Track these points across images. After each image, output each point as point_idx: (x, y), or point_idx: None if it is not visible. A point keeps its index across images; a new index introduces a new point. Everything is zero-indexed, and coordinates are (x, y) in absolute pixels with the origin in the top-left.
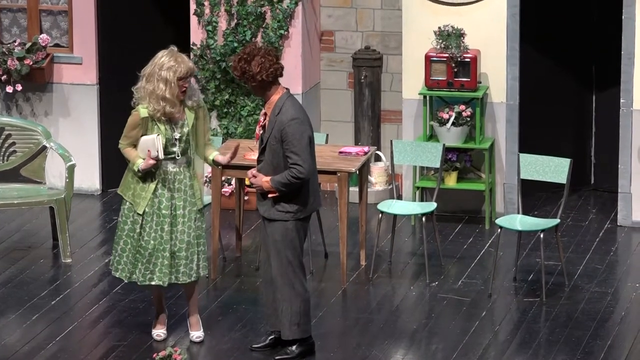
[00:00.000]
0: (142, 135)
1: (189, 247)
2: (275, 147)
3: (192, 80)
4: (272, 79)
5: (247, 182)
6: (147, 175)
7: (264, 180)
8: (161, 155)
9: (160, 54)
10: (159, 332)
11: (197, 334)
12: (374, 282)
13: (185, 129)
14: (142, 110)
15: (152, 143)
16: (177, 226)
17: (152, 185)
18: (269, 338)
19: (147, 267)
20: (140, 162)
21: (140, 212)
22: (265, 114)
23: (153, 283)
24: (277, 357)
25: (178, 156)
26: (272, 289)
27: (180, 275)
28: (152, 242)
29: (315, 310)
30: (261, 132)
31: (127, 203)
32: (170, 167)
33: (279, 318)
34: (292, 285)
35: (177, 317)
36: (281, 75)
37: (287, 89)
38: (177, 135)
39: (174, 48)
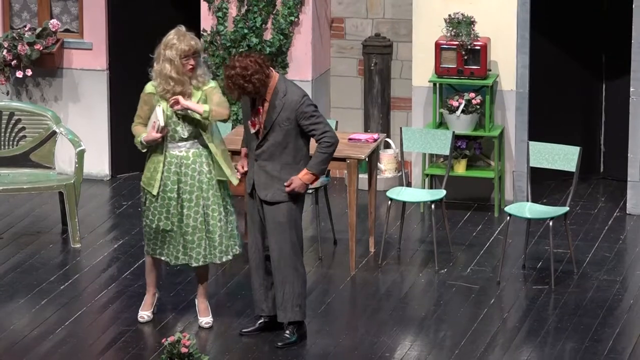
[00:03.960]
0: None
1: (194, 231)
2: (287, 127)
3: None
4: (268, 77)
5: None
6: (155, 158)
7: (303, 176)
8: (162, 123)
9: (168, 34)
10: (142, 313)
11: (206, 319)
12: (382, 269)
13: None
14: (148, 87)
15: (154, 115)
16: (183, 210)
17: (158, 168)
18: (258, 322)
19: (153, 242)
20: (143, 135)
21: (155, 193)
22: (262, 100)
23: (163, 258)
24: (279, 344)
25: (185, 137)
26: (261, 274)
27: (189, 258)
28: (156, 222)
29: (324, 297)
30: (261, 117)
31: (141, 184)
32: (177, 151)
33: (272, 302)
34: (295, 266)
35: (186, 303)
36: (272, 67)
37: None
38: (181, 113)
39: (181, 27)
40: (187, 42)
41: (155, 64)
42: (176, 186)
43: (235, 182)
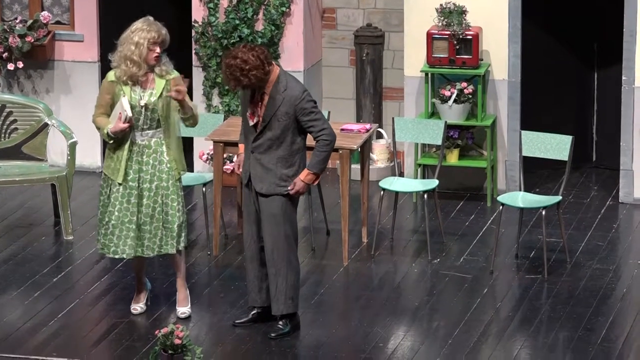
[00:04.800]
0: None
1: (152, 221)
2: (286, 122)
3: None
4: (267, 72)
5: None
6: (118, 146)
7: (304, 177)
8: (129, 113)
9: (136, 22)
10: (135, 306)
11: (182, 309)
12: (375, 260)
13: (153, 98)
14: (109, 75)
15: (120, 105)
16: (142, 199)
17: (122, 157)
18: (252, 313)
19: (110, 239)
20: (110, 126)
21: (120, 181)
22: (262, 93)
23: (117, 257)
24: (272, 335)
25: (147, 126)
26: (256, 266)
27: (144, 249)
28: (115, 213)
29: (317, 288)
30: (260, 111)
31: (102, 174)
32: (139, 139)
33: (266, 294)
34: (289, 259)
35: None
36: (271, 61)
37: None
38: (142, 102)
39: (150, 18)
40: (156, 30)
41: (118, 48)
42: (137, 175)
43: (177, 176)
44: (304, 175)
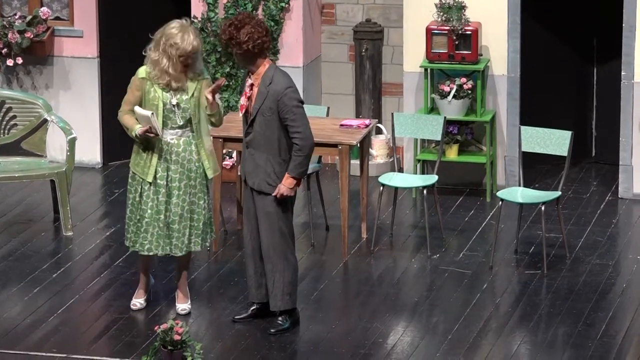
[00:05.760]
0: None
1: (181, 220)
2: (269, 118)
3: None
4: (257, 51)
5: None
6: (147, 144)
7: (285, 181)
8: (160, 134)
9: (172, 23)
10: (135, 301)
11: (182, 306)
12: (375, 255)
13: (185, 97)
14: (140, 71)
15: (148, 120)
16: (171, 198)
17: (152, 155)
18: (251, 309)
19: (144, 236)
20: (138, 127)
21: (150, 180)
22: (251, 85)
23: (150, 253)
24: (272, 331)
25: (177, 125)
26: (255, 262)
27: (172, 248)
28: (148, 210)
29: (316, 283)
30: (247, 103)
31: (131, 172)
32: (168, 138)
33: (265, 290)
34: (285, 256)
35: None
36: (268, 48)
37: (272, 61)
38: (174, 101)
39: (186, 22)
40: (189, 44)
41: (152, 51)
42: (165, 173)
43: (210, 175)
44: (285, 178)
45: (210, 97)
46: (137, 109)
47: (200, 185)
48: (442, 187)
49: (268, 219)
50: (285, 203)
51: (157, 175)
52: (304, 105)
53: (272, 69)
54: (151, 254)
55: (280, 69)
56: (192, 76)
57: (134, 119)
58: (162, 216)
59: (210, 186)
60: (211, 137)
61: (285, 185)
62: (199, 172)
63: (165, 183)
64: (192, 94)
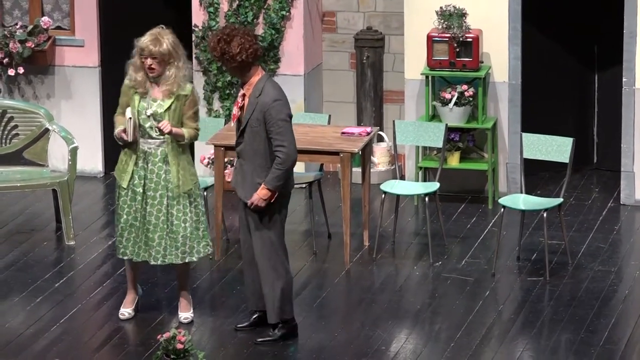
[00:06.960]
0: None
1: (156, 229)
2: (256, 129)
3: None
4: (252, 60)
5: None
6: (127, 150)
7: (259, 192)
8: (130, 138)
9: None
10: (123, 310)
11: (184, 315)
12: (377, 263)
13: (160, 110)
14: (125, 79)
15: (127, 121)
16: (146, 206)
17: (130, 161)
18: (253, 317)
19: (119, 240)
20: (119, 128)
21: (125, 186)
22: (243, 95)
23: (125, 258)
24: (259, 340)
25: (154, 133)
26: (253, 270)
27: (148, 256)
28: (124, 216)
29: (319, 291)
30: (239, 113)
31: (115, 177)
32: (145, 147)
33: (261, 298)
34: (275, 267)
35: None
36: (261, 55)
37: (265, 71)
38: (149, 112)
39: (160, 27)
40: (143, 41)
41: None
42: (142, 181)
43: (177, 192)
44: (260, 188)
45: (165, 131)
46: (127, 110)
47: (179, 198)
48: (444, 194)
49: (258, 230)
50: (275, 214)
51: (134, 182)
52: (308, 113)
53: (264, 80)
54: (126, 258)
55: (273, 80)
56: (166, 89)
57: (122, 119)
58: (137, 223)
59: (210, 197)
60: (188, 152)
61: (258, 195)
62: (178, 184)
63: (142, 190)
64: (169, 108)
